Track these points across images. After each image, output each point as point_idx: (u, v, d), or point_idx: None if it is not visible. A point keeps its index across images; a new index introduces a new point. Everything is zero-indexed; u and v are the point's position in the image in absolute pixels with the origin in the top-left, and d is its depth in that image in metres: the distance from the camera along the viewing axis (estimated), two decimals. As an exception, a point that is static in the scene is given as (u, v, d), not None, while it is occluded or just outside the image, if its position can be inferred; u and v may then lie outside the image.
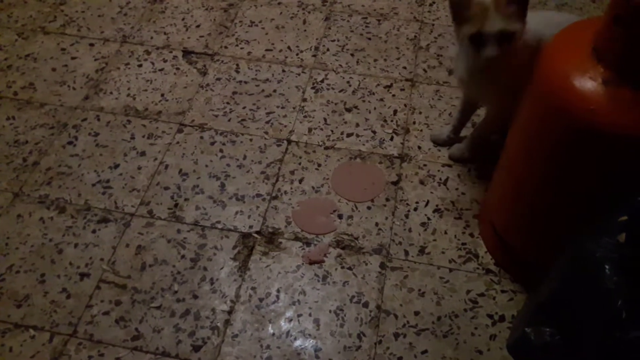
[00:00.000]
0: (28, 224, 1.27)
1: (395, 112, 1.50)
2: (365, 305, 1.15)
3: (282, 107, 1.51)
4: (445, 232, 1.27)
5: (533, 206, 1.07)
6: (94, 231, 1.26)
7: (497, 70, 1.08)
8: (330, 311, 1.14)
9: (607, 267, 0.75)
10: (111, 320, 1.13)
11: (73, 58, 1.64)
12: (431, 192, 1.34)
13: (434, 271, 1.20)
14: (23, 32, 1.72)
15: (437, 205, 1.31)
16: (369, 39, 1.69)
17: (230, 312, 1.14)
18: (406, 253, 1.23)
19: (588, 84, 0.87)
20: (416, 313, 1.14)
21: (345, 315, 1.14)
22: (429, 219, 1.29)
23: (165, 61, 1.64)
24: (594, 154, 0.90)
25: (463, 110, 1.37)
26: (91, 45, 1.68)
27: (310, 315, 1.14)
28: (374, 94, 1.55)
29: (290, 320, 1.13)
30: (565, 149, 0.94)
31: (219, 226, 1.27)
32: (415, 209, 1.31)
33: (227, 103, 1.53)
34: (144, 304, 1.15)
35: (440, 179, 1.36)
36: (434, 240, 1.25)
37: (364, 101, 1.53)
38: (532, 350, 0.85)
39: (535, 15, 1.06)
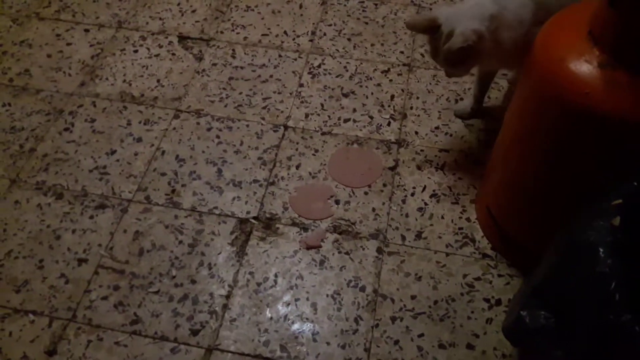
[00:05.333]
0: (25, 210, 1.28)
1: (392, 97, 1.50)
2: (362, 289, 1.16)
3: (279, 93, 1.51)
4: (442, 217, 1.27)
5: (528, 191, 1.07)
6: (91, 217, 1.27)
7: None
8: (327, 295, 1.15)
9: (601, 250, 0.75)
10: (110, 305, 1.14)
11: (68, 44, 1.63)
12: (428, 178, 1.34)
13: (430, 256, 1.21)
14: (17, 18, 1.70)
15: (434, 190, 1.31)
16: (366, 23, 1.68)
17: (228, 297, 1.15)
18: (403, 238, 1.23)
19: (583, 67, 0.86)
20: (413, 297, 1.15)
21: (342, 300, 1.15)
22: (425, 204, 1.29)
23: (160, 47, 1.63)
24: (589, 137, 0.90)
25: (481, 80, 1.37)
26: (86, 31, 1.67)
27: (307, 299, 1.15)
28: (371, 79, 1.54)
29: (288, 304, 1.14)
30: (561, 133, 0.94)
31: (217, 212, 1.27)
32: (412, 194, 1.31)
33: (224, 89, 1.52)
34: (142, 289, 1.16)
35: (438, 164, 1.36)
36: (431, 225, 1.26)
37: (361, 86, 1.52)
38: (527, 333, 0.86)
39: None
